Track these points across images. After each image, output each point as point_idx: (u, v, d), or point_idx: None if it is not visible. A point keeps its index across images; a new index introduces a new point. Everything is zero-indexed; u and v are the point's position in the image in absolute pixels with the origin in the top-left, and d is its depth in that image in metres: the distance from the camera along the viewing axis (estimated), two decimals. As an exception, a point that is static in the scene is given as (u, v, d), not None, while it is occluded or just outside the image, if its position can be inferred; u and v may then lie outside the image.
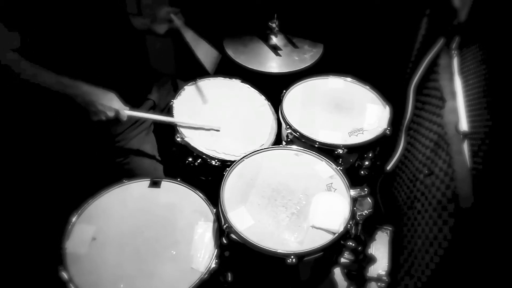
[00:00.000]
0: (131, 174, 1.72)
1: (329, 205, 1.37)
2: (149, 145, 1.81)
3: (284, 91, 1.85)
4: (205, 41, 1.81)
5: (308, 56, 2.06)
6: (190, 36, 1.76)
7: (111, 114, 1.54)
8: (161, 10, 1.75)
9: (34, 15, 1.38)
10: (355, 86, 1.93)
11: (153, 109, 1.87)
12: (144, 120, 1.82)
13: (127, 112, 1.59)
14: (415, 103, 1.82)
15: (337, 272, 1.71)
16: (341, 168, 1.51)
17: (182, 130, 1.65)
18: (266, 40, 2.13)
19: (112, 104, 1.53)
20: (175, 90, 1.94)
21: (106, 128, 1.67)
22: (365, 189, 1.44)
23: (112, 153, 1.73)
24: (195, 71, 1.88)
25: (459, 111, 1.38)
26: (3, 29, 1.38)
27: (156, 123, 1.88)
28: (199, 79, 1.92)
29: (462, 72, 1.47)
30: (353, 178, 1.48)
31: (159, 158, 1.83)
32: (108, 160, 1.74)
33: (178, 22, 1.74)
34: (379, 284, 1.68)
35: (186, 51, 1.82)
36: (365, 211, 1.50)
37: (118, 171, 1.74)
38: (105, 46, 1.57)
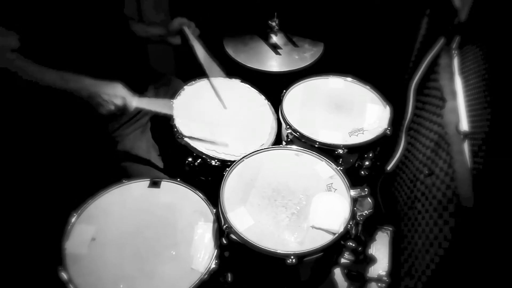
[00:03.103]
0: (125, 171, 1.72)
1: (329, 205, 1.36)
2: (144, 143, 1.80)
3: (284, 91, 1.84)
4: (215, 62, 1.81)
5: (308, 55, 2.06)
6: (201, 54, 1.78)
7: (118, 102, 1.50)
8: (173, 22, 1.77)
9: (31, 13, 1.38)
10: (355, 86, 1.93)
11: None
12: (140, 117, 1.82)
13: (134, 101, 1.55)
14: (416, 103, 1.82)
15: (337, 273, 1.71)
16: (341, 168, 1.50)
17: (181, 129, 1.65)
18: (266, 39, 2.13)
19: (118, 92, 1.50)
20: (173, 90, 1.94)
21: (103, 125, 1.67)
22: (365, 189, 1.44)
23: (107, 149, 1.72)
24: (194, 71, 1.88)
25: (460, 111, 1.38)
26: (1, 29, 1.38)
27: (153, 121, 1.88)
28: (199, 79, 1.92)
29: (463, 72, 1.47)
30: (353, 178, 1.48)
31: (156, 156, 1.82)
32: (105, 157, 1.74)
33: (190, 36, 1.76)
34: (379, 284, 1.68)
35: (186, 51, 1.83)
36: (366, 211, 1.50)
37: (115, 167, 1.73)
38: (103, 46, 1.57)
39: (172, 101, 1.74)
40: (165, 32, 1.81)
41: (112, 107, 1.51)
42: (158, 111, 1.69)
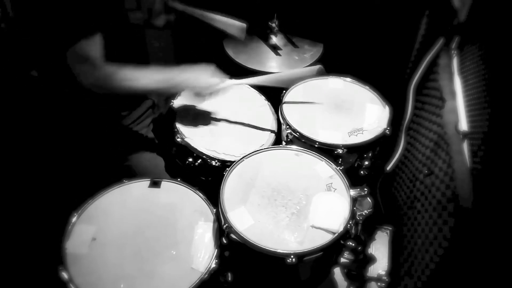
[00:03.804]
0: (130, 172, 1.72)
1: (329, 205, 1.37)
2: (148, 143, 1.81)
3: (284, 91, 1.85)
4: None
5: (308, 55, 2.06)
6: (200, 14, 1.77)
7: (211, 90, 1.55)
8: (156, 2, 1.76)
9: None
10: (355, 86, 1.93)
11: (153, 108, 1.88)
12: (143, 119, 1.82)
13: (228, 82, 1.59)
14: (415, 103, 1.83)
15: (337, 272, 1.71)
16: (341, 168, 1.51)
17: (182, 130, 1.65)
18: (266, 39, 2.13)
19: (210, 81, 1.54)
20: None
21: (104, 125, 1.68)
22: (365, 189, 1.44)
23: (111, 151, 1.73)
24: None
25: (459, 111, 1.39)
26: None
27: (155, 122, 1.88)
28: None
29: (462, 72, 1.47)
30: (353, 178, 1.48)
31: (158, 156, 1.83)
32: (107, 158, 1.74)
33: (180, 6, 1.75)
34: (379, 284, 1.68)
35: (186, 49, 1.83)
36: (365, 211, 1.50)
37: (117, 168, 1.74)
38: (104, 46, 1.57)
39: (172, 102, 1.74)
40: (148, 15, 1.80)
41: (208, 95, 1.56)
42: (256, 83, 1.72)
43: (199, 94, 1.56)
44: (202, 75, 1.54)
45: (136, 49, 1.75)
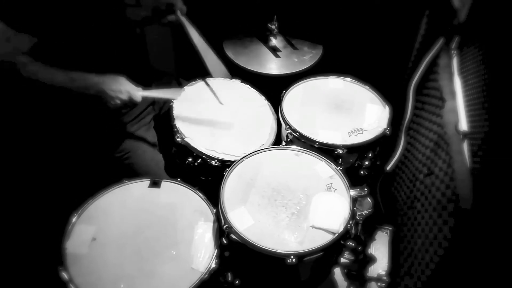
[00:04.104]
0: (131, 169, 1.73)
1: (329, 205, 1.37)
2: (150, 140, 1.81)
3: (284, 91, 1.85)
4: (211, 49, 1.83)
5: (308, 57, 2.07)
6: (196, 38, 1.78)
7: (124, 97, 1.54)
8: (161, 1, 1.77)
9: (40, 13, 1.38)
10: (355, 86, 1.93)
11: (153, 105, 1.88)
12: (144, 116, 1.82)
13: (139, 93, 1.59)
14: (415, 103, 1.82)
15: (337, 272, 1.71)
16: (341, 168, 1.51)
17: (182, 130, 1.65)
18: (265, 41, 2.13)
19: (122, 87, 1.53)
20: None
21: (105, 124, 1.67)
22: (365, 189, 1.44)
23: (112, 148, 1.73)
24: (195, 70, 1.89)
25: (459, 111, 1.38)
26: (12, 33, 1.38)
27: (156, 120, 1.88)
28: (200, 79, 1.93)
29: (462, 72, 1.47)
30: (353, 178, 1.48)
31: (160, 154, 1.83)
32: (108, 157, 1.74)
33: (182, 18, 1.76)
34: (379, 284, 1.68)
35: (186, 49, 1.83)
36: (365, 211, 1.50)
37: (118, 167, 1.74)
38: (103, 45, 1.57)
39: (172, 102, 1.75)
40: (152, 13, 1.81)
41: (119, 102, 1.54)
42: (165, 97, 1.73)
43: (110, 99, 1.53)
44: (114, 82, 1.53)
45: (136, 48, 1.75)
